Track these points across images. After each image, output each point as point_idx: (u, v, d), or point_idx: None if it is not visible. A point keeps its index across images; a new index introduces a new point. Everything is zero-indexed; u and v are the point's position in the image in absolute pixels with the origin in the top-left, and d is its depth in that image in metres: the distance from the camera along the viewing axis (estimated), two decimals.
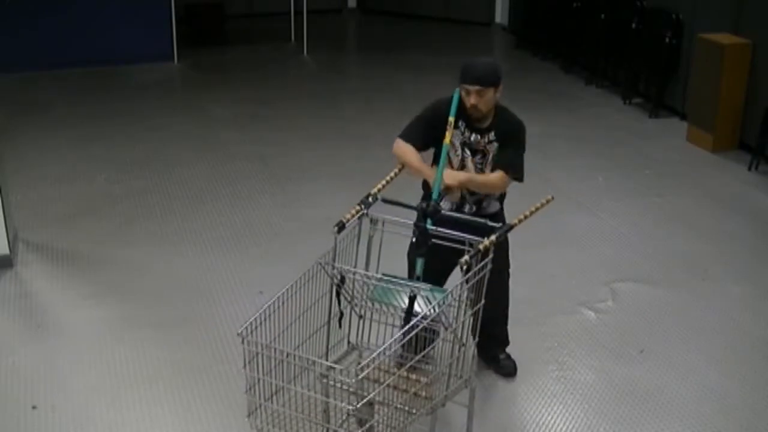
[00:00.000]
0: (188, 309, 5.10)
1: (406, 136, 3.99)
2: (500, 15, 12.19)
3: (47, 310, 5.09)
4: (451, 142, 3.91)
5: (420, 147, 3.98)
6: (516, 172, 3.99)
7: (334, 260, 3.53)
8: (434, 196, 3.72)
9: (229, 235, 6.01)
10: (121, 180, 6.90)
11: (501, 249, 4.01)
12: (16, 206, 5.95)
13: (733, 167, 7.35)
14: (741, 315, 5.16)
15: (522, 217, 3.60)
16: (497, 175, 3.95)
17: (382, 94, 9.35)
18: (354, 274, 3.55)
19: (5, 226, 5.44)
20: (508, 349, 4.49)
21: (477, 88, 3.82)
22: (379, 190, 3.70)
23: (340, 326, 3.62)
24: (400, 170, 3.88)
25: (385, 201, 3.69)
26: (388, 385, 3.25)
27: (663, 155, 7.63)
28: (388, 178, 3.77)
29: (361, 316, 3.70)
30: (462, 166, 4.02)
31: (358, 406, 3.15)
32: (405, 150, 3.95)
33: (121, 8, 9.83)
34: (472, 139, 3.97)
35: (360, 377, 3.10)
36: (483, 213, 4.02)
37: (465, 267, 3.40)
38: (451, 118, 3.81)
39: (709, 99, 7.60)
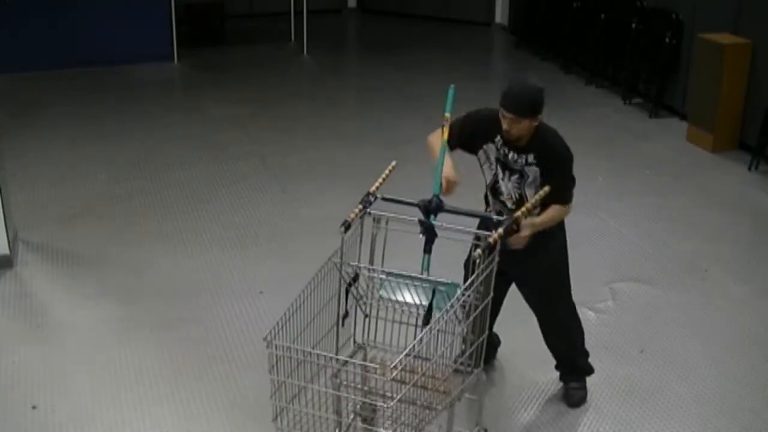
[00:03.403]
0: (188, 309, 5.10)
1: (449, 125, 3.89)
2: (500, 15, 12.19)
3: (47, 310, 5.10)
4: (485, 153, 3.91)
5: (454, 139, 3.86)
6: (570, 198, 3.88)
7: (341, 260, 3.53)
8: (435, 190, 3.72)
9: (229, 235, 6.02)
10: (121, 180, 6.90)
11: (555, 270, 4.07)
12: (16, 206, 5.95)
13: (733, 167, 7.35)
14: (741, 315, 5.16)
15: (524, 210, 3.60)
16: (555, 210, 3.82)
17: (381, 93, 9.34)
18: (369, 270, 3.55)
19: (5, 226, 5.44)
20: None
21: (511, 116, 3.72)
22: (377, 188, 3.70)
23: (343, 325, 3.63)
24: (393, 168, 3.84)
25: (384, 199, 3.69)
26: (406, 383, 3.25)
27: (663, 155, 7.63)
28: (383, 175, 3.76)
29: (367, 315, 3.71)
30: (494, 182, 3.94)
31: (383, 404, 3.20)
32: (432, 142, 3.88)
33: (121, 8, 9.82)
34: (509, 157, 3.87)
35: (393, 376, 3.09)
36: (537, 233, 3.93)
37: (477, 261, 3.40)
38: (447, 114, 3.79)
39: (709, 99, 7.60)
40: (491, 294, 3.54)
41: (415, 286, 3.50)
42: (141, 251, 5.78)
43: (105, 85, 9.44)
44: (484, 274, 3.45)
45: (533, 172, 3.85)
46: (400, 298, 3.56)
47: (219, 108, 8.75)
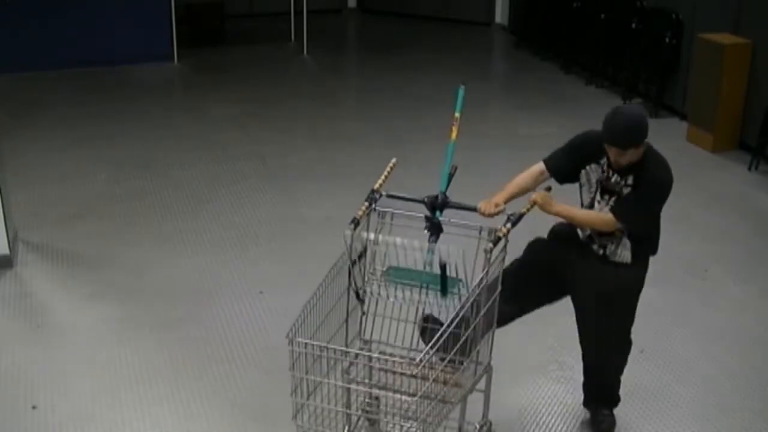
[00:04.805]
0: (188, 309, 5.10)
1: (548, 159, 3.86)
2: (500, 15, 12.19)
3: (47, 310, 5.10)
4: (586, 175, 3.79)
5: (558, 174, 3.83)
6: (627, 222, 3.68)
7: (350, 257, 3.52)
8: (442, 187, 3.72)
9: (229, 235, 6.02)
10: (121, 180, 6.90)
11: (626, 300, 3.89)
12: (16, 206, 5.95)
13: (733, 167, 7.35)
14: (741, 315, 5.16)
15: (529, 206, 3.63)
16: (600, 216, 3.71)
17: (381, 93, 9.34)
18: (377, 244, 3.50)
19: (5, 226, 5.44)
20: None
21: (615, 149, 3.62)
22: (380, 185, 3.71)
23: (358, 298, 3.60)
24: (394, 165, 3.85)
25: (389, 196, 3.70)
26: (422, 378, 3.26)
27: (663, 155, 7.61)
28: (385, 173, 3.76)
29: (364, 313, 3.72)
30: (590, 205, 3.80)
31: (409, 399, 3.20)
32: (518, 176, 3.82)
33: (121, 8, 9.82)
34: (612, 179, 3.73)
35: (418, 371, 3.10)
36: (608, 259, 3.80)
37: (488, 254, 3.39)
38: (457, 114, 3.78)
39: (709, 99, 7.60)
40: (499, 288, 3.55)
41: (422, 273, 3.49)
42: (141, 251, 5.77)
43: (105, 85, 9.44)
44: (494, 268, 3.46)
45: (628, 192, 3.73)
46: (406, 280, 3.53)
47: (219, 108, 8.75)
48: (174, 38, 10.22)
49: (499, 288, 3.56)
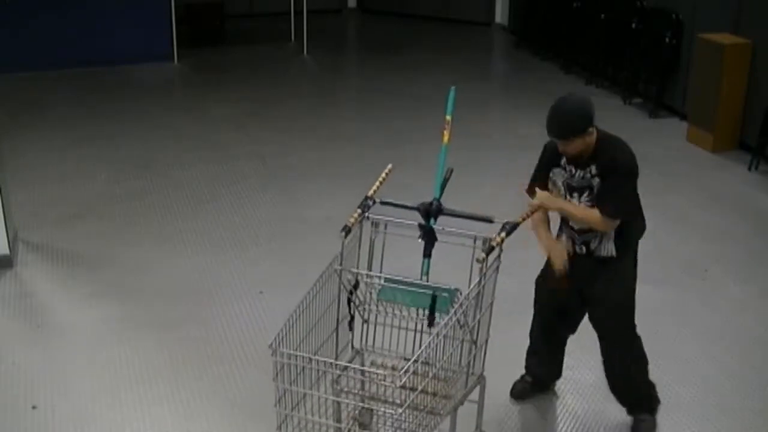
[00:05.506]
0: (188, 309, 5.10)
1: (531, 183, 3.91)
2: (500, 15, 12.20)
3: (47, 310, 5.10)
4: (552, 180, 3.83)
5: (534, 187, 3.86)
6: (612, 211, 3.68)
7: (341, 265, 3.52)
8: (436, 194, 3.71)
9: (229, 235, 6.02)
10: (121, 180, 6.90)
11: (625, 295, 3.92)
12: (16, 206, 5.95)
13: (733, 167, 7.35)
14: (741, 315, 5.16)
15: (525, 215, 3.63)
16: (589, 211, 3.71)
17: (381, 94, 9.34)
18: (371, 278, 3.53)
19: (5, 226, 5.44)
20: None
21: (556, 140, 3.67)
22: (374, 192, 3.69)
23: (351, 329, 3.62)
24: (389, 171, 3.83)
25: (383, 203, 3.67)
26: (412, 389, 3.24)
27: (663, 155, 7.62)
28: (380, 179, 3.74)
29: (365, 321, 3.70)
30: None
31: (392, 412, 3.20)
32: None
33: (121, 8, 9.83)
34: (576, 176, 3.75)
35: (402, 382, 3.08)
36: (594, 255, 3.82)
37: (481, 264, 3.39)
38: (448, 117, 3.77)
39: (709, 99, 7.60)
40: (493, 297, 3.53)
41: (417, 291, 3.48)
42: (141, 251, 5.78)
43: (105, 85, 9.45)
44: (488, 277, 3.45)
45: (597, 183, 3.72)
46: (397, 300, 3.53)
47: (219, 108, 8.75)
48: (174, 38, 10.22)
49: (494, 298, 3.54)
